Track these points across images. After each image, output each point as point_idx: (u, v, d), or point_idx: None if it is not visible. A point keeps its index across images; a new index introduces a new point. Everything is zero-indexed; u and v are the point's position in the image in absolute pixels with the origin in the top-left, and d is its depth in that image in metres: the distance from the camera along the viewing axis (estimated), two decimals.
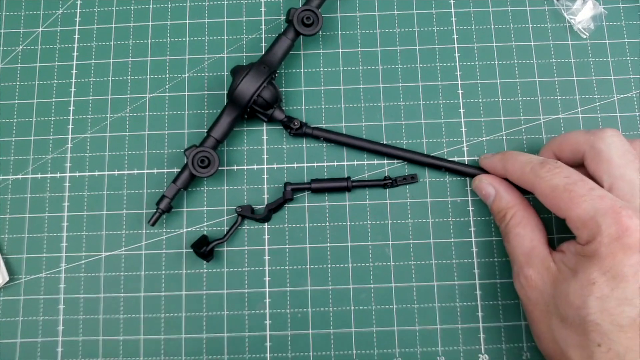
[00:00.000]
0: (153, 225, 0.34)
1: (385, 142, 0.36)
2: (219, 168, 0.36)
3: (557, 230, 0.35)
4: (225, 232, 0.35)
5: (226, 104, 0.35)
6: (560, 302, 0.27)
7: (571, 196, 0.27)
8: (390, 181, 0.35)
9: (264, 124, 0.37)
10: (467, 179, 0.36)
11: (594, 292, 0.25)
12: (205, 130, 0.36)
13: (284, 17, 0.38)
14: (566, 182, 0.28)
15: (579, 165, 0.31)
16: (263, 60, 0.35)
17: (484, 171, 0.34)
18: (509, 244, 0.31)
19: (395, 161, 0.36)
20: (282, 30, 0.36)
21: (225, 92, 0.37)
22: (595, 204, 0.27)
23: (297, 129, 0.35)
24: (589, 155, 0.30)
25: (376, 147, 0.35)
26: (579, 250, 0.27)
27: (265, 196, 0.36)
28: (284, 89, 0.37)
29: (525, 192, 0.32)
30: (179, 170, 0.35)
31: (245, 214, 0.35)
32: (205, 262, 0.35)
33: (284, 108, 0.35)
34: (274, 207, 0.35)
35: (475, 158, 0.36)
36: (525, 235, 0.30)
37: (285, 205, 0.36)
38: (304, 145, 0.37)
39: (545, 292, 0.28)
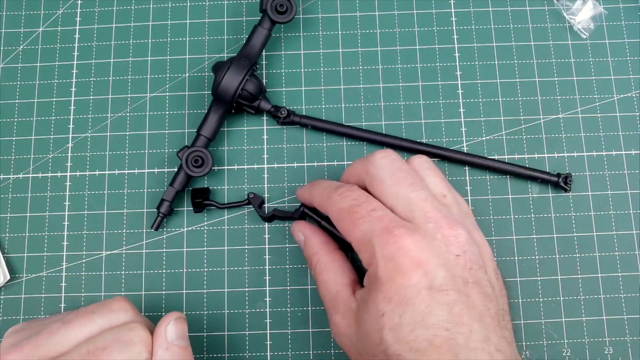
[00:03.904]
0: (156, 230, 0.35)
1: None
2: (220, 167, 0.36)
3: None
4: (228, 203, 0.35)
5: (211, 101, 0.35)
6: (365, 341, 0.26)
7: (353, 218, 0.27)
8: None
9: (264, 123, 0.37)
10: (467, 173, 0.36)
11: (385, 324, 0.24)
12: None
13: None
14: (351, 204, 0.27)
15: None
16: (242, 53, 0.35)
17: None
18: (319, 292, 0.30)
19: None
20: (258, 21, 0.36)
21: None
22: (372, 225, 0.26)
23: (284, 118, 0.35)
24: (367, 181, 0.29)
25: (357, 133, 0.36)
26: (369, 278, 0.26)
27: (266, 195, 0.36)
28: (284, 89, 0.37)
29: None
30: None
31: (254, 203, 0.35)
32: (195, 211, 0.35)
33: (285, 108, 0.36)
34: (279, 216, 0.35)
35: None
36: (330, 280, 0.29)
37: (286, 206, 0.36)
38: (304, 145, 0.37)
39: (353, 336, 0.27)
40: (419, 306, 0.24)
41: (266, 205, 0.35)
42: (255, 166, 0.36)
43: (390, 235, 0.25)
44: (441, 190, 0.29)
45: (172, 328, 0.27)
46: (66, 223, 0.36)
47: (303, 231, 0.32)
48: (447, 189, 0.29)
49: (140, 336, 0.26)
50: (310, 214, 0.33)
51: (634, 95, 0.37)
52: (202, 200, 0.35)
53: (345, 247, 0.31)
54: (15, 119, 0.37)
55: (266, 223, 0.36)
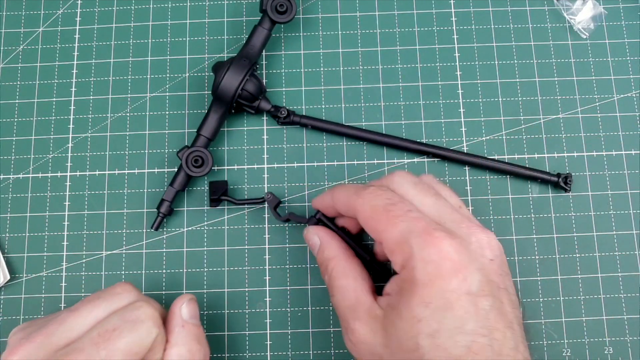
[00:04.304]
0: (156, 230, 0.35)
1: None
2: (220, 167, 0.36)
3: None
4: (245, 199, 0.35)
5: (211, 101, 0.35)
6: (394, 349, 0.24)
7: (388, 216, 0.26)
8: None
9: (264, 123, 0.37)
10: (467, 173, 0.36)
11: (422, 330, 0.23)
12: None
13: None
14: (386, 203, 0.26)
15: None
16: (242, 53, 0.35)
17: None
18: (333, 298, 0.28)
19: (396, 160, 0.36)
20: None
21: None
22: (410, 225, 0.25)
23: (284, 118, 0.35)
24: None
25: (357, 133, 0.36)
26: (398, 282, 0.26)
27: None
28: (284, 89, 0.37)
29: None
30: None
31: (270, 204, 0.34)
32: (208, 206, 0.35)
33: (285, 108, 0.36)
34: (295, 219, 0.34)
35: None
36: (348, 286, 0.28)
37: (286, 206, 0.36)
38: (304, 145, 0.37)
39: (376, 344, 0.25)
40: (458, 311, 0.23)
41: (286, 205, 0.35)
42: (255, 166, 0.36)
43: (431, 237, 0.24)
44: (456, 202, 0.29)
45: (186, 308, 0.29)
46: (66, 223, 0.36)
47: (319, 234, 0.30)
48: (461, 202, 0.29)
49: (147, 313, 0.26)
50: (327, 222, 0.32)
51: (634, 95, 0.37)
52: (220, 196, 0.35)
53: (361, 259, 0.30)
54: (15, 119, 0.37)
55: (266, 223, 0.35)
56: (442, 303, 0.23)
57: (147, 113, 0.37)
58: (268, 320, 0.34)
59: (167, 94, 0.38)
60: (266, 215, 0.36)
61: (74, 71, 0.38)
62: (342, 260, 0.29)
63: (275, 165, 0.36)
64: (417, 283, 0.24)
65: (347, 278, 0.28)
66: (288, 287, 0.35)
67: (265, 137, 0.37)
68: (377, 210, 0.26)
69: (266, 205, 0.35)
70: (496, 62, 0.38)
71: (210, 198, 0.35)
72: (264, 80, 0.38)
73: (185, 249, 0.35)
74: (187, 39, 0.38)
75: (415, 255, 0.24)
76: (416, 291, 0.24)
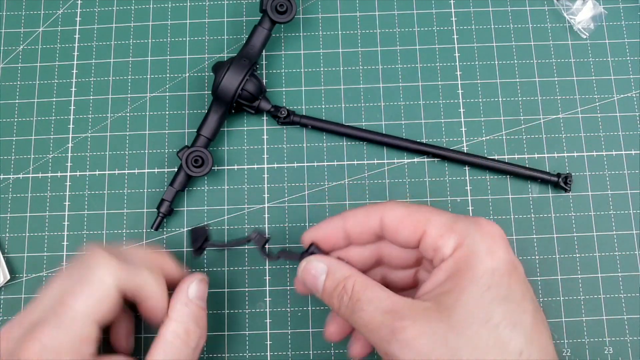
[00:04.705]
0: (156, 230, 0.35)
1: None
2: (220, 167, 0.36)
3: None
4: (230, 242, 0.33)
5: (211, 101, 0.35)
6: (463, 327, 0.23)
7: (428, 209, 0.26)
8: None
9: (264, 123, 0.37)
10: (467, 173, 0.36)
11: (493, 296, 0.23)
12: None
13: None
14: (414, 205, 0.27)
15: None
16: (242, 53, 0.35)
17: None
18: (363, 312, 0.25)
19: (396, 160, 0.36)
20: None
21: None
22: (451, 214, 0.26)
23: (284, 118, 0.35)
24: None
25: (357, 133, 0.36)
26: (450, 266, 0.25)
27: (266, 195, 0.36)
28: (284, 89, 0.37)
29: None
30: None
31: (258, 244, 0.30)
32: (192, 254, 0.33)
33: (285, 108, 0.36)
34: (287, 256, 0.30)
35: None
36: (380, 294, 0.25)
37: (286, 206, 0.36)
38: (304, 145, 0.37)
39: (434, 333, 0.23)
40: (521, 276, 0.25)
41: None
42: (255, 166, 0.36)
43: (477, 220, 0.26)
44: None
45: (194, 287, 0.29)
46: (66, 223, 0.36)
47: (323, 260, 0.28)
48: None
49: (97, 260, 0.27)
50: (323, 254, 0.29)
51: (634, 95, 0.37)
52: (202, 245, 0.32)
53: None
54: (15, 119, 0.37)
55: (266, 223, 0.35)
56: (506, 270, 0.24)
57: (147, 113, 0.37)
58: (268, 320, 0.34)
59: (167, 94, 0.38)
60: (266, 215, 0.36)
61: (74, 71, 0.38)
62: (360, 276, 0.26)
63: (275, 165, 0.36)
64: (480, 254, 0.24)
65: (374, 287, 0.26)
66: (288, 287, 0.35)
67: (265, 137, 0.37)
68: (412, 207, 0.27)
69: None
70: (496, 62, 0.38)
71: (192, 249, 0.32)
72: (264, 80, 0.38)
73: (185, 249, 0.35)
74: (187, 39, 0.38)
75: (472, 232, 0.25)
76: (480, 262, 0.24)
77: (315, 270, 0.27)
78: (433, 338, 0.23)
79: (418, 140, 0.36)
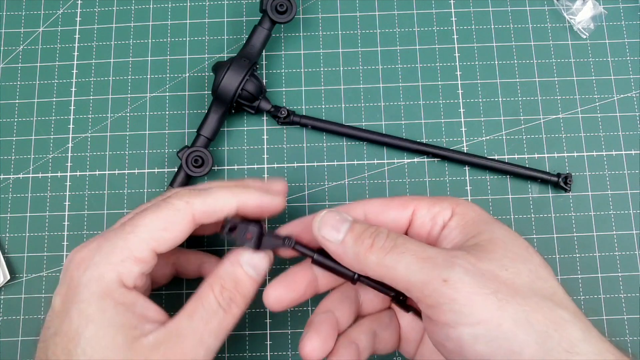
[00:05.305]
0: None
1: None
2: (220, 167, 0.36)
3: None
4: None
5: (211, 101, 0.35)
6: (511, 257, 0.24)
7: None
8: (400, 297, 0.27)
9: (264, 123, 0.37)
10: (467, 173, 0.36)
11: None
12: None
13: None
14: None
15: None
16: (242, 53, 0.35)
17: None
18: (403, 255, 0.24)
19: (396, 160, 0.36)
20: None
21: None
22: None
23: (284, 118, 0.35)
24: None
25: (357, 133, 0.36)
26: (459, 222, 0.26)
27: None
28: (284, 89, 0.37)
29: None
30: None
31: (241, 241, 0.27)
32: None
33: (285, 108, 0.36)
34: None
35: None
36: (415, 241, 0.25)
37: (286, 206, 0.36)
38: (304, 145, 0.37)
39: (491, 268, 0.23)
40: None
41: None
42: (255, 166, 0.36)
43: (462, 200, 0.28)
44: None
45: (251, 255, 0.27)
46: (66, 223, 0.36)
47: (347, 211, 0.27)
48: None
49: (179, 195, 0.27)
50: (304, 246, 0.27)
51: (634, 95, 0.37)
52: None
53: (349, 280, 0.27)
54: (15, 119, 0.37)
55: (266, 223, 0.35)
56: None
57: (147, 113, 0.37)
58: (268, 320, 0.34)
59: (167, 94, 0.38)
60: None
61: (74, 71, 0.38)
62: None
63: (275, 165, 0.36)
64: (477, 209, 0.27)
65: (408, 238, 0.25)
66: None
67: (265, 137, 0.37)
68: (390, 197, 0.28)
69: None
70: (496, 62, 0.38)
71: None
72: (264, 80, 0.38)
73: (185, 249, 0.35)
74: (187, 39, 0.38)
75: (456, 200, 0.27)
76: (483, 213, 0.27)
77: (341, 217, 0.26)
78: (494, 264, 0.23)
79: (418, 140, 0.36)
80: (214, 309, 0.26)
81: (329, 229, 0.26)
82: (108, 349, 0.24)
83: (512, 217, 0.35)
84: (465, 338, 0.22)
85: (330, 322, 0.27)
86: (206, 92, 0.37)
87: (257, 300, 0.34)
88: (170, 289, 0.35)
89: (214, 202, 0.27)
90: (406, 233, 0.27)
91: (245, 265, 0.27)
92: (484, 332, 0.22)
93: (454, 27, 0.38)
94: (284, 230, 0.28)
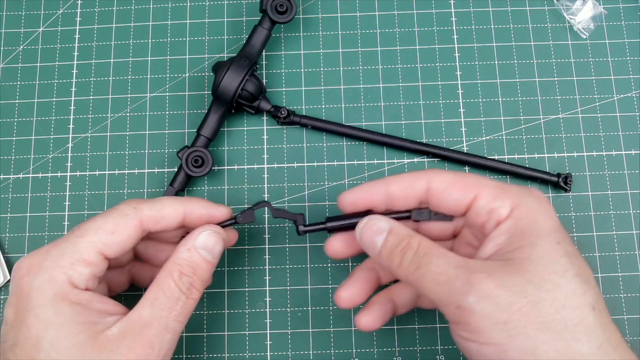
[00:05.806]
0: None
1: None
2: (220, 167, 0.36)
3: None
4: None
5: (211, 101, 0.35)
6: (539, 275, 0.23)
7: (475, 176, 0.27)
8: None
9: (264, 123, 0.37)
10: (467, 171, 0.36)
11: (564, 251, 0.24)
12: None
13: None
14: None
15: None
16: (242, 53, 0.35)
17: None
18: (432, 266, 0.25)
19: (396, 160, 0.36)
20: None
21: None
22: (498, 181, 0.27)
23: (284, 118, 0.35)
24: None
25: (357, 133, 0.36)
26: (509, 227, 0.25)
27: (266, 196, 0.36)
28: (284, 89, 0.37)
29: None
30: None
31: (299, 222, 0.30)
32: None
33: (285, 108, 0.36)
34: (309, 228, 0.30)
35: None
36: (448, 252, 0.25)
37: (286, 206, 0.36)
38: (304, 145, 0.37)
39: (514, 285, 0.23)
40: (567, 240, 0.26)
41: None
42: (255, 166, 0.36)
43: (526, 187, 0.27)
44: None
45: (203, 237, 0.28)
46: (66, 223, 0.36)
47: (385, 219, 0.27)
48: None
49: (124, 202, 0.28)
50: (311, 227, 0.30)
51: (634, 95, 0.37)
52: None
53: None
54: (15, 119, 0.37)
55: (266, 223, 0.35)
56: (562, 228, 0.26)
57: (147, 113, 0.37)
58: (268, 320, 0.34)
59: (167, 94, 0.38)
60: (266, 215, 0.36)
61: (74, 71, 0.38)
62: (424, 237, 0.26)
63: (275, 165, 0.36)
64: (540, 213, 0.25)
65: (439, 247, 0.26)
66: (288, 287, 0.35)
67: (265, 137, 0.37)
68: (460, 173, 0.28)
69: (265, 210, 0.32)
70: (496, 62, 0.38)
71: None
72: (264, 80, 0.38)
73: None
74: (187, 39, 0.38)
75: (525, 195, 0.26)
76: (543, 220, 0.25)
77: (378, 227, 0.27)
78: (513, 290, 0.23)
79: (418, 140, 0.36)
80: (175, 295, 0.27)
81: (367, 239, 0.27)
82: (73, 349, 0.24)
83: None
84: (474, 352, 0.24)
85: (369, 279, 0.30)
86: (206, 92, 0.38)
87: (257, 300, 0.34)
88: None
89: (162, 207, 0.28)
90: (464, 215, 0.27)
91: (201, 250, 0.28)
92: (489, 353, 0.23)
93: (454, 27, 0.38)
94: (346, 197, 0.29)
